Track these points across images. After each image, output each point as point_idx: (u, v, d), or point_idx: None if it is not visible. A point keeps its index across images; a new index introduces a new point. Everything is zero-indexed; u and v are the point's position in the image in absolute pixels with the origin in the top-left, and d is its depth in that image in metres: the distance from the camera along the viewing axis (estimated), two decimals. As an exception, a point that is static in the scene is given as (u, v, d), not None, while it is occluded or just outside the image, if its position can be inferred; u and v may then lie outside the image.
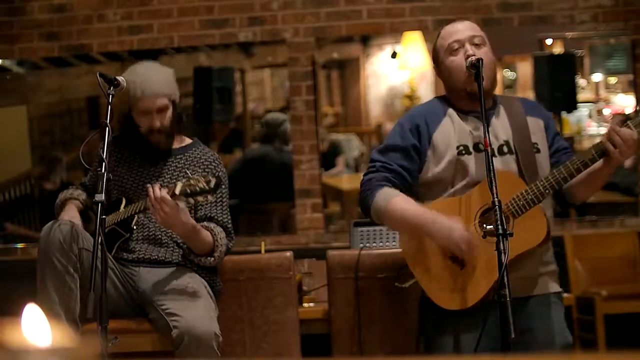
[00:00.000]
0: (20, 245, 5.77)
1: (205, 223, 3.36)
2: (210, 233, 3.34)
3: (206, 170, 3.45)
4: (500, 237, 2.55)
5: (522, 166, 2.92)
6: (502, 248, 2.54)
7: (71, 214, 3.42)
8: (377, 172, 2.99)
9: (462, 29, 3.01)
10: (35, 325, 0.78)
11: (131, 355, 3.20)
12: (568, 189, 2.98)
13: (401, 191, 2.95)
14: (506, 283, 2.50)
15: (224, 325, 3.14)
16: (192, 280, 3.32)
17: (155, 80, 3.43)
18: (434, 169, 2.96)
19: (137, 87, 3.38)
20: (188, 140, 3.59)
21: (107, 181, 2.97)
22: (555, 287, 3.00)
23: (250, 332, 3.68)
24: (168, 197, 3.05)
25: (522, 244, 2.77)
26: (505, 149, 2.95)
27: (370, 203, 2.94)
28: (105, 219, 2.97)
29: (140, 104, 3.40)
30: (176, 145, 3.53)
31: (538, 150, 2.98)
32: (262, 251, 4.18)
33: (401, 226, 3.02)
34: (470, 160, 2.92)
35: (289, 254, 3.75)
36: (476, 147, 2.93)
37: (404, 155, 2.98)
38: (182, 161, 3.48)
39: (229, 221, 3.46)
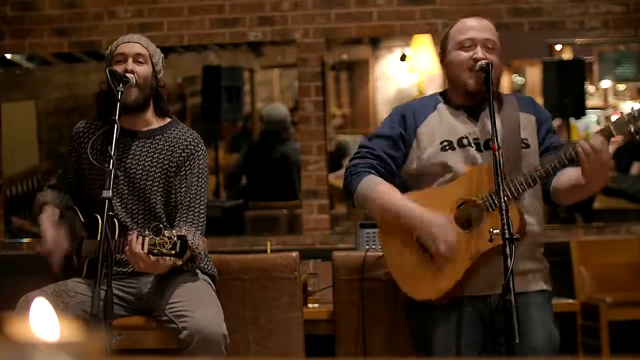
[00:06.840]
0: (26, 240, 5.78)
1: (181, 227, 3.20)
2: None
3: (186, 150, 3.32)
4: (507, 242, 2.54)
5: (505, 161, 2.89)
6: (507, 253, 2.52)
7: (56, 249, 3.24)
8: (363, 157, 3.08)
9: (479, 28, 3.01)
10: (41, 320, 0.78)
11: (138, 352, 3.20)
12: (554, 188, 2.99)
13: (385, 178, 3.02)
14: (511, 288, 2.49)
15: (227, 324, 3.14)
16: (197, 282, 3.28)
17: (137, 35, 3.38)
18: (417, 161, 3.02)
19: (119, 39, 3.32)
20: (167, 120, 3.41)
21: (115, 178, 2.96)
22: (539, 286, 2.97)
23: (254, 332, 3.68)
24: (143, 254, 2.94)
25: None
26: (491, 143, 2.95)
27: (355, 189, 3.03)
28: (111, 215, 2.96)
29: (118, 50, 3.27)
30: (155, 125, 3.37)
31: (527, 146, 2.99)
32: (268, 251, 4.19)
33: (383, 214, 3.07)
34: (453, 156, 2.97)
35: (294, 254, 3.74)
36: (460, 142, 2.98)
37: (389, 143, 3.07)
38: (162, 142, 3.34)
39: (201, 204, 3.30)
